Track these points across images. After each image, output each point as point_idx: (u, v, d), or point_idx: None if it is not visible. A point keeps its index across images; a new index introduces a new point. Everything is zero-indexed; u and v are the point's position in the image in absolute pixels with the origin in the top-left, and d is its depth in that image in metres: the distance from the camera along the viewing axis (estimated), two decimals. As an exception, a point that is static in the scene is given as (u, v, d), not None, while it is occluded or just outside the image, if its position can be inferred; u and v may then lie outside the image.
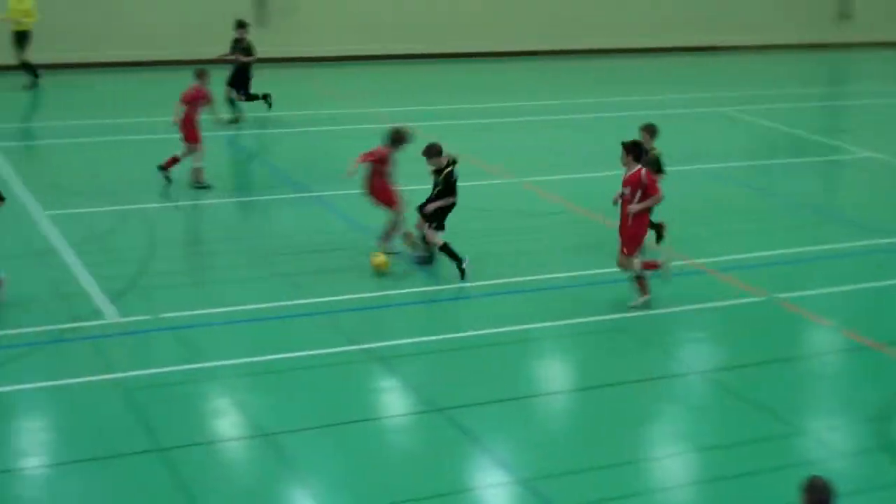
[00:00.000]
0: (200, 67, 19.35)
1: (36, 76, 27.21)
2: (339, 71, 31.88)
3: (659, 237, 16.09)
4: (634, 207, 13.79)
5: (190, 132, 18.60)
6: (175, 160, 18.69)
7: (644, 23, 35.98)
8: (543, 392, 12.06)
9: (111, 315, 13.30)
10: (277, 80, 30.17)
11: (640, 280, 14.05)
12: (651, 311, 13.92)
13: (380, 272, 14.48)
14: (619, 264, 14.03)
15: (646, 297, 14.06)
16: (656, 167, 15.50)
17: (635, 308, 13.96)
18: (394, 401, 11.71)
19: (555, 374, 12.68)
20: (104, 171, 19.68)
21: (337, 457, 10.36)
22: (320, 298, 14.07)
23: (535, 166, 21.02)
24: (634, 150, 13.90)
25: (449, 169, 14.65)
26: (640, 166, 13.85)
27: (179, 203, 18.06)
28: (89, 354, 12.28)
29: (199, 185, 18.63)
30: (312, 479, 9.91)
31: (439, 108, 26.76)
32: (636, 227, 13.96)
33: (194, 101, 18.67)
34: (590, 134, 24.36)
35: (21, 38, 26.92)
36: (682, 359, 12.86)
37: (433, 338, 13.01)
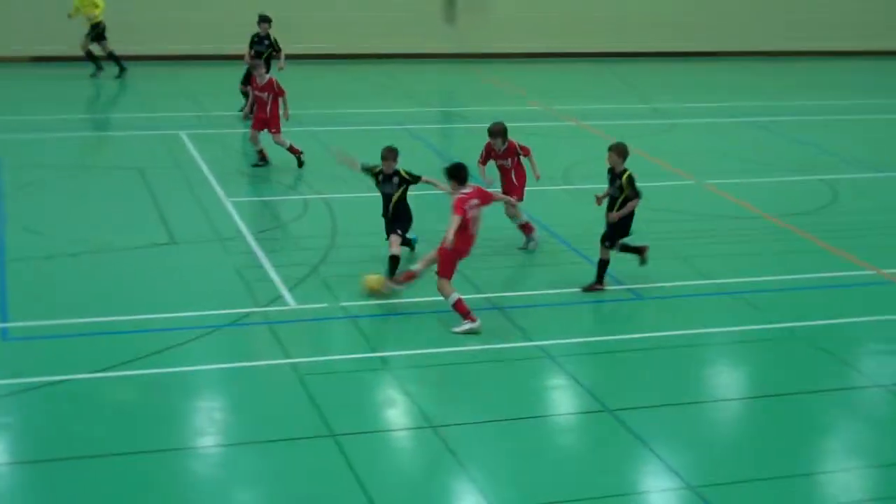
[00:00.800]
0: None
1: (122, 68, 27.71)
2: (527, 67, 31.92)
3: (641, 258, 14.55)
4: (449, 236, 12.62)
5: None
6: (295, 150, 19.92)
7: (839, 25, 35.21)
8: (715, 398, 11.83)
9: (290, 301, 13.61)
10: (464, 75, 30.48)
11: (457, 305, 12.86)
12: (832, 321, 13.53)
13: (372, 293, 13.81)
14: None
15: (471, 325, 12.83)
16: (631, 189, 14.00)
17: (459, 333, 12.75)
18: (564, 399, 11.66)
19: (728, 381, 12.43)
20: (316, 158, 20.12)
21: (504, 452, 10.37)
22: (493, 294, 14.12)
23: (717, 168, 20.68)
24: (457, 176, 12.81)
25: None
26: (471, 188, 12.82)
27: (359, 194, 18.35)
28: (267, 339, 12.59)
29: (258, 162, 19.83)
30: (478, 472, 9.93)
31: (624, 108, 26.57)
32: (447, 250, 12.75)
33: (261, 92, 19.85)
34: (780, 137, 23.83)
35: (95, 30, 27.32)
36: (864, 371, 12.45)
37: (605, 338, 12.90)
